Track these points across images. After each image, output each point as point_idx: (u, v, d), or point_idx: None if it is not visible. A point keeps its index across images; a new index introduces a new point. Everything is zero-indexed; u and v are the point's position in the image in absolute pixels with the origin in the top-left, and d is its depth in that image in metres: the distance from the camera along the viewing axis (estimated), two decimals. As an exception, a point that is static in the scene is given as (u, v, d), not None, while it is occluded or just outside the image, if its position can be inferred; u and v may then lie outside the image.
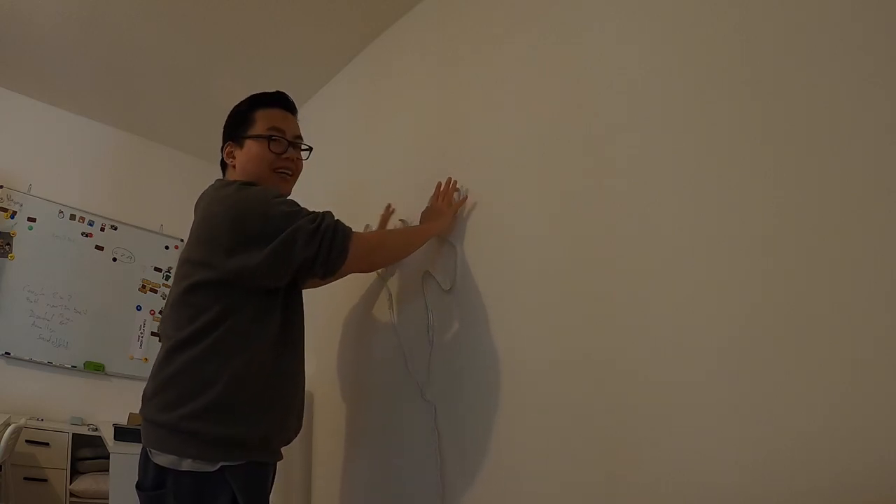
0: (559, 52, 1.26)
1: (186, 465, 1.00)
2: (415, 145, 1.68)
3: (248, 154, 1.25)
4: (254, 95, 1.31)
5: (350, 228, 1.14)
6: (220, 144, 1.31)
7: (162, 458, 1.01)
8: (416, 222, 1.52)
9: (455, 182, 1.44)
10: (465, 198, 1.40)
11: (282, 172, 1.27)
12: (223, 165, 1.32)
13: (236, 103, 1.32)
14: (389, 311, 1.54)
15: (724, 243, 0.86)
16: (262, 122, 1.26)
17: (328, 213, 1.13)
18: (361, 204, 1.83)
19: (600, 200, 1.08)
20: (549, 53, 1.29)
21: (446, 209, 1.39)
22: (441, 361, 1.34)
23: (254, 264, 1.04)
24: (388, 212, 1.68)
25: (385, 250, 1.27)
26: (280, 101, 1.30)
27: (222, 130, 1.32)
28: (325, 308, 1.78)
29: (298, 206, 1.12)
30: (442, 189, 1.44)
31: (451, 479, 1.22)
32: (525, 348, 1.14)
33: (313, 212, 1.12)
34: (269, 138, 1.24)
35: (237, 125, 1.28)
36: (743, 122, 0.88)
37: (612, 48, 1.14)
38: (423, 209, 1.49)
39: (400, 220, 1.60)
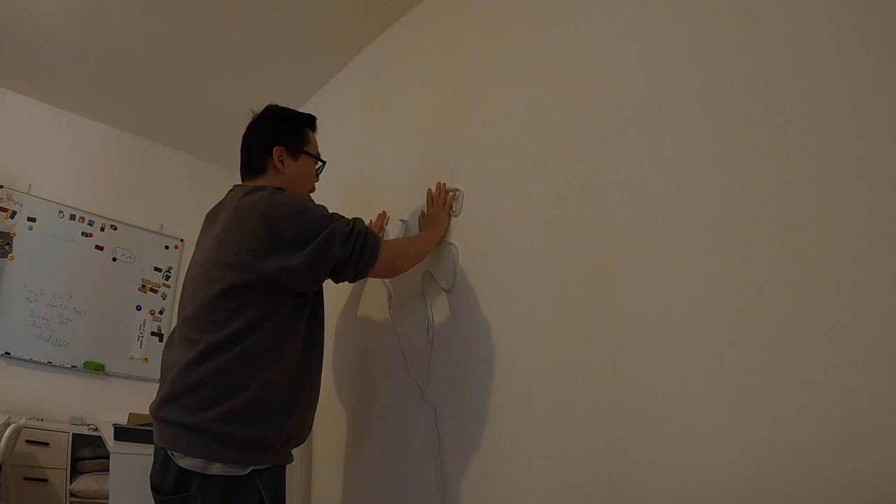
0: (560, 51, 1.26)
1: (216, 468, 0.99)
2: (415, 145, 1.68)
3: (303, 169, 1.32)
4: (298, 112, 1.38)
5: (378, 235, 1.19)
6: (257, 143, 1.29)
7: (187, 462, 1.00)
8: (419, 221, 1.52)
9: (444, 185, 1.45)
10: (456, 193, 1.42)
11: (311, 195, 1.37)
12: (260, 165, 1.28)
13: (279, 105, 1.36)
14: (389, 310, 1.54)
15: (725, 243, 0.86)
16: (313, 143, 1.37)
17: (359, 219, 1.17)
18: (362, 203, 1.83)
19: (601, 200, 1.08)
20: (550, 52, 1.29)
21: (442, 213, 1.41)
22: (441, 361, 1.34)
23: (294, 265, 1.06)
24: (382, 217, 1.68)
25: (407, 257, 1.31)
26: (316, 128, 1.40)
27: (267, 130, 1.30)
28: (325, 308, 1.78)
29: (329, 211, 1.16)
30: (434, 195, 1.46)
31: (451, 480, 1.22)
32: (525, 348, 1.14)
33: (344, 216, 1.16)
34: (320, 163, 1.37)
35: (295, 135, 1.32)
36: (744, 122, 0.88)
37: (614, 47, 1.14)
38: (423, 213, 1.49)
39: (401, 220, 1.60)
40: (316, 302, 1.22)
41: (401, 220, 1.60)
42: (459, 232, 1.39)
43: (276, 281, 1.08)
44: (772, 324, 0.78)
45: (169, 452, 1.02)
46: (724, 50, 0.93)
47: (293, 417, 1.11)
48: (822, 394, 0.72)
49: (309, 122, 1.37)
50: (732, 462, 0.78)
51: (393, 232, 1.64)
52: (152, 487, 1.07)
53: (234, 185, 1.27)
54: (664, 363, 0.89)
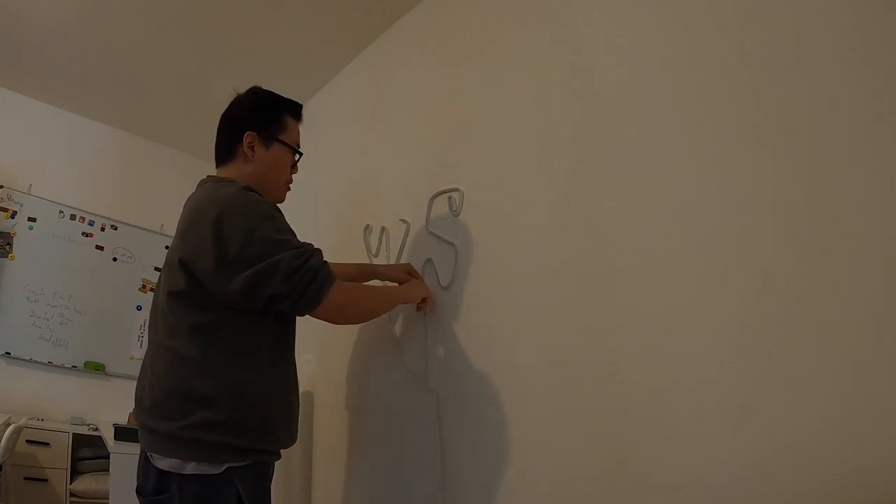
0: (560, 51, 1.26)
1: (191, 468, 0.98)
2: (415, 145, 1.68)
3: (275, 159, 1.22)
4: (280, 96, 1.27)
5: (333, 277, 1.07)
6: (229, 126, 1.22)
7: (164, 462, 1.00)
8: (420, 222, 1.52)
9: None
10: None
11: (288, 186, 1.29)
12: (230, 151, 1.21)
13: (262, 88, 1.26)
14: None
15: (725, 243, 0.86)
16: (292, 132, 1.26)
17: (317, 253, 1.07)
18: (362, 204, 1.83)
19: (601, 200, 1.07)
20: (550, 52, 1.29)
21: (424, 285, 1.39)
22: (439, 361, 1.34)
23: (231, 290, 1.01)
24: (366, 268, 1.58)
25: (358, 310, 1.21)
26: (301, 116, 1.31)
27: (239, 114, 1.23)
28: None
29: (288, 233, 1.08)
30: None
31: (450, 480, 1.22)
32: (524, 348, 1.14)
33: (303, 244, 1.07)
34: (298, 154, 1.28)
35: (268, 121, 1.22)
36: (744, 122, 0.88)
37: (614, 45, 1.13)
38: (426, 219, 1.48)
39: (401, 221, 1.60)
40: None
41: (401, 221, 1.60)
42: (459, 231, 1.39)
43: (219, 296, 1.03)
44: (772, 324, 0.78)
45: (148, 454, 1.04)
46: (724, 50, 0.93)
47: (266, 422, 1.06)
48: (822, 394, 0.72)
49: (291, 108, 1.27)
50: (732, 462, 0.78)
51: (393, 232, 1.63)
52: (137, 490, 1.07)
53: (207, 176, 1.21)
54: (664, 363, 0.90)
